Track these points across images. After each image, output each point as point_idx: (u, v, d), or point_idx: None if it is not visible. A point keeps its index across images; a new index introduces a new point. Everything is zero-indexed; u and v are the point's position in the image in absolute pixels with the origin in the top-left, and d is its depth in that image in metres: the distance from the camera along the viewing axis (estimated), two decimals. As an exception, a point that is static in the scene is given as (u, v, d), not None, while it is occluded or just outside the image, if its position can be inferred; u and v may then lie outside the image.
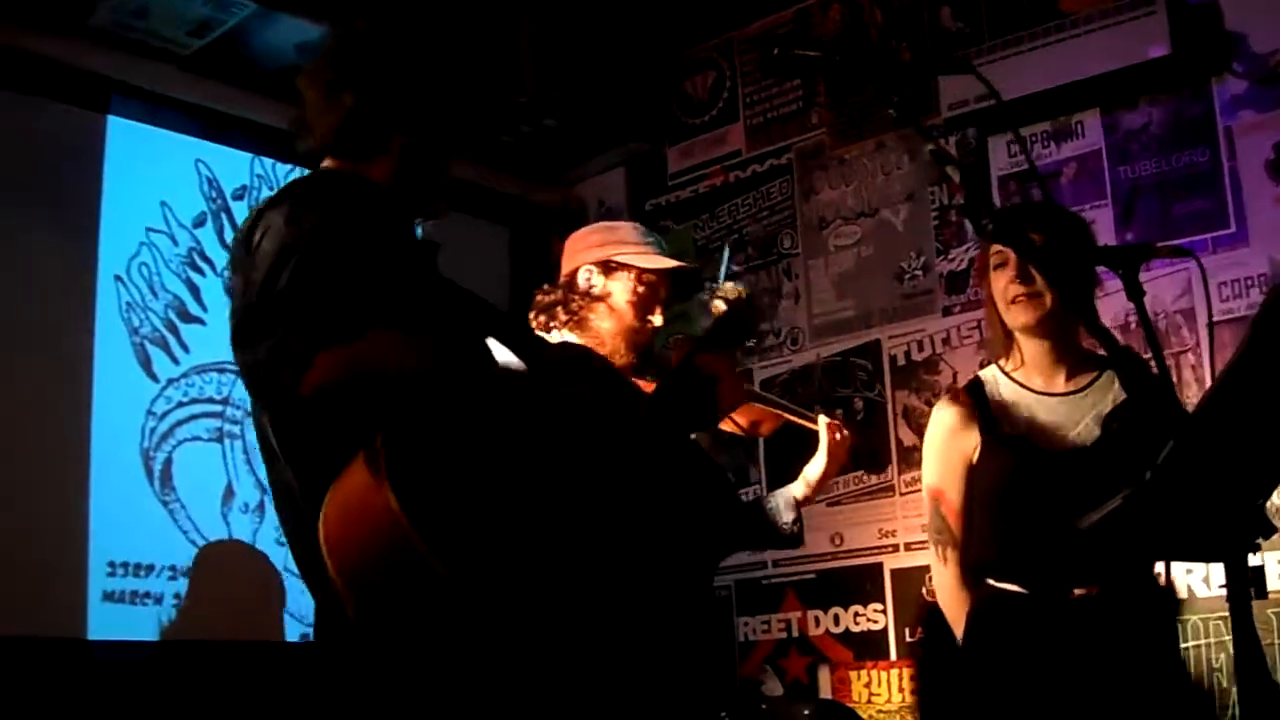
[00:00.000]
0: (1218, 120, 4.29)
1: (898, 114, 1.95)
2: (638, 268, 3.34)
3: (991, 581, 3.16)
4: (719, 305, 2.82)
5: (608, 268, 3.35)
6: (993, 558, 3.17)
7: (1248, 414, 1.92)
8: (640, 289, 3.34)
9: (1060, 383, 3.24)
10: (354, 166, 2.48)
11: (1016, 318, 3.16)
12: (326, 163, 2.52)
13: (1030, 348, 3.20)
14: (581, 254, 3.42)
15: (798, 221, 5.33)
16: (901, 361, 4.94)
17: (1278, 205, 4.12)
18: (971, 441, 3.28)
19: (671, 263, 3.37)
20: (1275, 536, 2.24)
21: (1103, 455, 3.10)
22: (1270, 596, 3.94)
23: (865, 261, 5.12)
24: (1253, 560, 2.23)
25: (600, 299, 3.34)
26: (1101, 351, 3.32)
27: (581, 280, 3.37)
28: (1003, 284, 3.18)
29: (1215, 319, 4.12)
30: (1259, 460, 2.13)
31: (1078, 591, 3.04)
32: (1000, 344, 3.28)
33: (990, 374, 3.30)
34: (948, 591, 3.29)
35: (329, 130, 2.48)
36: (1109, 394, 3.19)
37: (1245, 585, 2.21)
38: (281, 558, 4.66)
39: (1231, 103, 4.26)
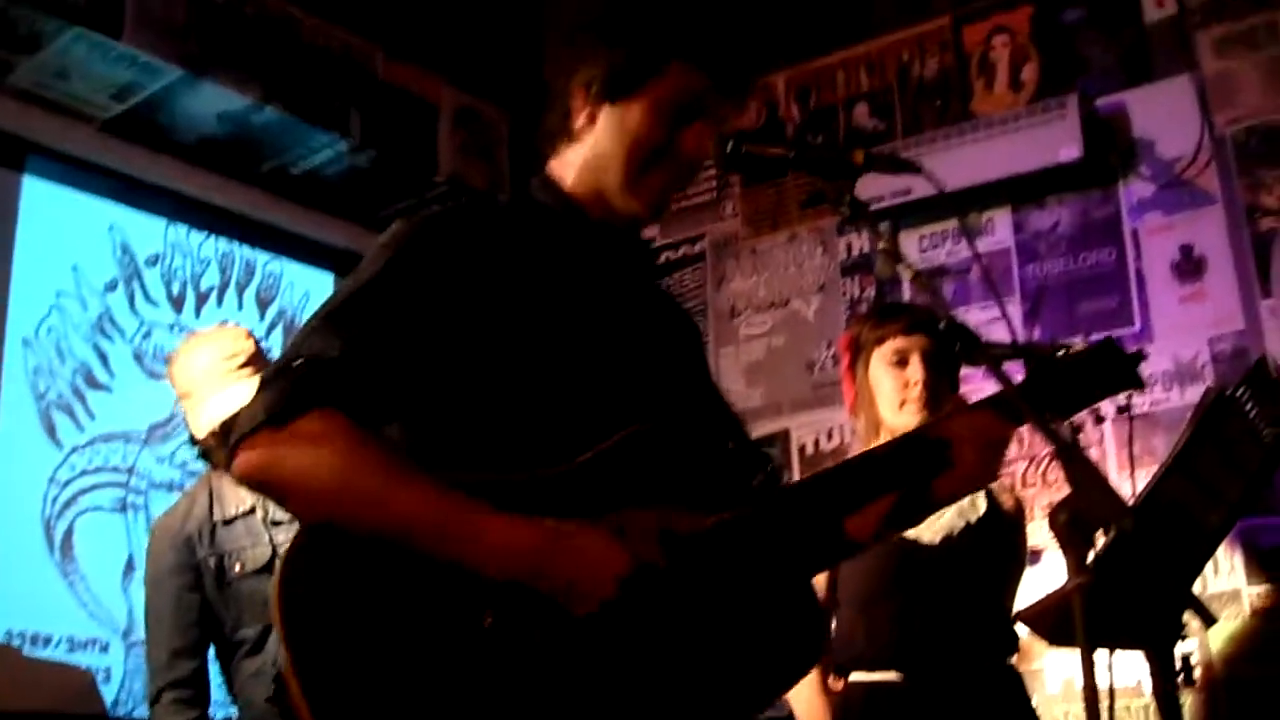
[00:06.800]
0: (1125, 222, 4.43)
1: (851, 213, 1.97)
2: None
3: (860, 675, 3.18)
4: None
5: None
6: (864, 652, 3.19)
7: (1185, 504, 1.98)
8: None
9: None
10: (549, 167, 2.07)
11: (907, 418, 3.14)
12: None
13: None
14: None
15: (709, 310, 5.36)
16: (810, 451, 4.97)
17: (1181, 305, 4.26)
18: None
19: None
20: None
21: (967, 546, 3.17)
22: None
23: (776, 351, 5.17)
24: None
25: None
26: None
27: None
28: (898, 382, 3.18)
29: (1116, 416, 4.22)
30: (1188, 550, 2.20)
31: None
32: (869, 439, 3.23)
33: None
34: (807, 693, 3.25)
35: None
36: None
37: (1172, 673, 2.27)
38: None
39: (1139, 205, 4.41)
